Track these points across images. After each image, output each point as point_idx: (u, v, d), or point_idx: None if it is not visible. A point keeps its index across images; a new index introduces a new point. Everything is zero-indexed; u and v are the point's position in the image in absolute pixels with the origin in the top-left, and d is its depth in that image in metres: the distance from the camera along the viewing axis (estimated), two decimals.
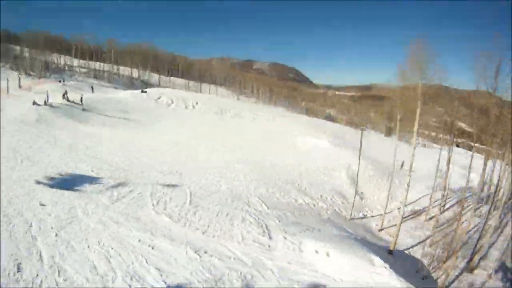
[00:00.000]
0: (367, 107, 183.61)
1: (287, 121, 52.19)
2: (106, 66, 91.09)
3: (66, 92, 43.45)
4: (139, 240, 10.90)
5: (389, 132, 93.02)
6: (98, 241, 10.56)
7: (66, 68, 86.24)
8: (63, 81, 60.10)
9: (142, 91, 54.80)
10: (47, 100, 38.55)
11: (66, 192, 14.13)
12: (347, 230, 15.62)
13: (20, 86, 52.83)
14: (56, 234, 10.76)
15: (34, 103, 36.82)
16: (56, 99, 40.82)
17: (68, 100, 41.22)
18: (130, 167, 20.22)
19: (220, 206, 14.91)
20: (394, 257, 12.63)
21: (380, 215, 19.01)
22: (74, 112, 38.97)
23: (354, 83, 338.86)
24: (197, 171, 20.68)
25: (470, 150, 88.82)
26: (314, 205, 18.61)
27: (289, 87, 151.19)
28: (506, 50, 14.98)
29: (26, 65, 78.05)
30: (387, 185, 20.53)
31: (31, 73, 76.74)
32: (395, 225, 15.98)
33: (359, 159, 20.20)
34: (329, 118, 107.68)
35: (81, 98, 40.07)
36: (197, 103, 54.68)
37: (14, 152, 19.87)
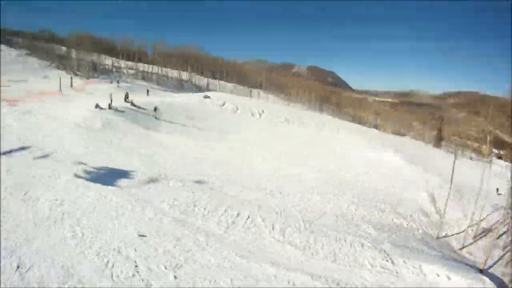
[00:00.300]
0: (407, 115, 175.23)
1: (348, 132, 45.91)
2: (153, 68, 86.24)
3: (127, 95, 37.77)
4: (275, 277, 9.12)
5: (439, 143, 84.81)
6: (230, 280, 8.60)
7: (114, 69, 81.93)
8: (118, 83, 54.74)
9: (205, 97, 48.78)
10: (111, 103, 32.74)
11: (165, 219, 11.75)
12: (441, 251, 14.74)
13: (71, 86, 47.62)
14: (175, 277, 8.47)
15: (97, 106, 31.16)
16: (115, 101, 35.25)
17: (132, 104, 35.38)
18: (225, 184, 17.85)
19: (333, 230, 13.40)
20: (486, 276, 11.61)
21: (457, 233, 17.75)
22: (141, 118, 33.56)
23: (392, 89, 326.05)
24: (293, 188, 19.05)
25: None
26: (407, 224, 17.30)
27: (330, 92, 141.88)
28: None
29: (73, 65, 74.97)
30: (459, 203, 20.48)
31: (78, 73, 73.22)
32: (473, 243, 16.31)
33: (451, 181, 17.84)
34: (375, 126, 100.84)
35: (155, 108, 35.34)
36: (263, 111, 48.00)
37: None
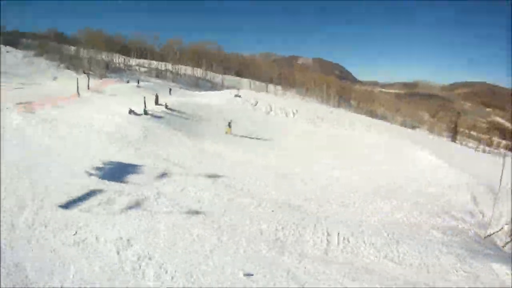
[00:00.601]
0: (415, 106, 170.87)
1: (379, 132, 41.17)
2: (166, 65, 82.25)
3: (157, 98, 33.71)
4: None
5: (454, 137, 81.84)
6: None
7: (125, 67, 77.79)
8: (138, 82, 50.30)
9: (236, 95, 44.46)
10: (145, 107, 28.67)
11: (263, 248, 10.43)
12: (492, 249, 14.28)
13: (88, 87, 43.44)
14: None
15: (131, 111, 27.00)
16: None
17: (167, 107, 31.26)
18: (302, 202, 16.00)
19: (412, 238, 12.79)
20: None
21: (497, 231, 16.68)
22: (184, 124, 29.54)
23: (399, 80, 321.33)
24: (356, 196, 17.83)
25: None
26: (461, 226, 16.28)
27: (344, 87, 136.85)
28: None
29: (84, 64, 70.85)
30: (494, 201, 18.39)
31: (90, 72, 69.04)
32: None
33: (500, 182, 16.90)
34: (385, 119, 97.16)
35: (229, 123, 31.04)
36: (297, 110, 43.49)
37: None
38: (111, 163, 17.39)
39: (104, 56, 75.62)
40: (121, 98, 37.17)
